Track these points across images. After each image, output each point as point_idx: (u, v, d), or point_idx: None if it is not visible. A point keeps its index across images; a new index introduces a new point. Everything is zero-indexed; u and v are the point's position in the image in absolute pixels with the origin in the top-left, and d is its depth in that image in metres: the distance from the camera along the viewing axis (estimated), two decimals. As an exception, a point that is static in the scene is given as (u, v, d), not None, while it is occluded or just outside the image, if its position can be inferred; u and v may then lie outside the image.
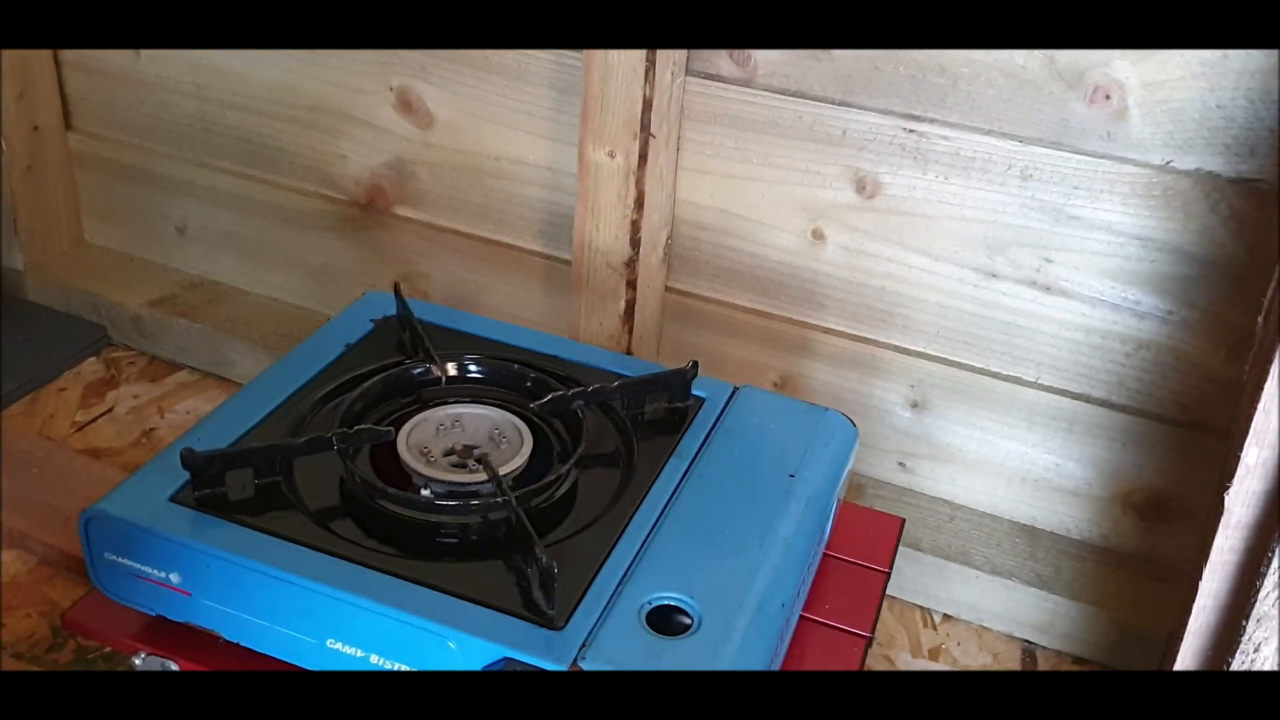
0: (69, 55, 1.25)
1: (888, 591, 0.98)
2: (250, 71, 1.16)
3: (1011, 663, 0.98)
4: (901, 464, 1.07)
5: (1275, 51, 0.81)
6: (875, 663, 0.96)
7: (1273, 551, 0.62)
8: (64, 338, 1.27)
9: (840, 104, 0.95)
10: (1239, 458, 0.64)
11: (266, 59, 1.15)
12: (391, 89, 1.11)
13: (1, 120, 1.22)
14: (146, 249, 1.32)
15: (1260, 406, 0.62)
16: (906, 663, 0.97)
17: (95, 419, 1.18)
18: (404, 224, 1.17)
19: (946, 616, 1.02)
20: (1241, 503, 0.64)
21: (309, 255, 1.24)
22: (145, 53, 1.21)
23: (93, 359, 1.26)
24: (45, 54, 1.25)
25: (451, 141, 1.11)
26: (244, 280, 1.29)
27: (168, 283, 1.30)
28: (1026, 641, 1.00)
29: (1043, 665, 0.98)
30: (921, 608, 1.02)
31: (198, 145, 1.24)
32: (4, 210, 1.27)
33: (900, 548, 0.88)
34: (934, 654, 0.98)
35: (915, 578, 1.01)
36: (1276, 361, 0.61)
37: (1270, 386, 0.62)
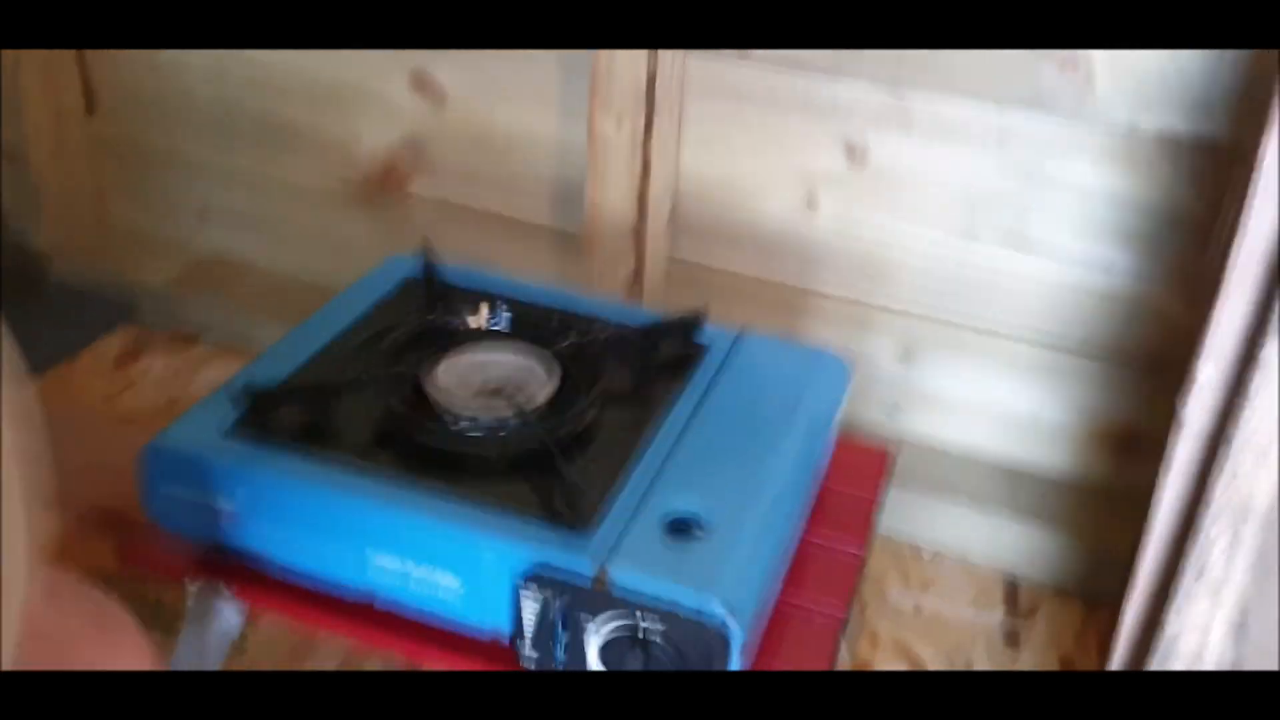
0: (92, 44, 1.31)
1: (880, 530, 1.05)
2: (268, 55, 1.22)
3: (996, 593, 1.05)
4: (891, 413, 1.14)
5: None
6: (868, 594, 1.03)
7: (1223, 454, 0.69)
8: (88, 315, 1.33)
9: (831, 74, 1.02)
10: (1193, 374, 0.71)
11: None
12: (406, 69, 1.17)
13: (26, 105, 1.28)
14: (168, 229, 1.38)
15: (1210, 326, 0.69)
16: (898, 594, 1.04)
17: (123, 391, 1.24)
18: (418, 200, 1.24)
19: (935, 553, 1.09)
20: (1196, 414, 0.71)
21: (326, 232, 1.30)
22: (167, 40, 1.27)
23: (117, 334, 1.32)
24: (69, 43, 1.30)
25: (463, 118, 1.17)
26: (263, 258, 1.35)
27: (189, 261, 1.36)
28: (1010, 574, 1.07)
29: (1025, 596, 1.05)
30: (911, 544, 1.09)
31: (217, 128, 1.30)
32: (29, 193, 1.33)
33: (891, 489, 0.95)
34: (923, 586, 1.05)
35: (905, 516, 1.08)
36: (1223, 286, 0.69)
37: (1217, 310, 0.69)
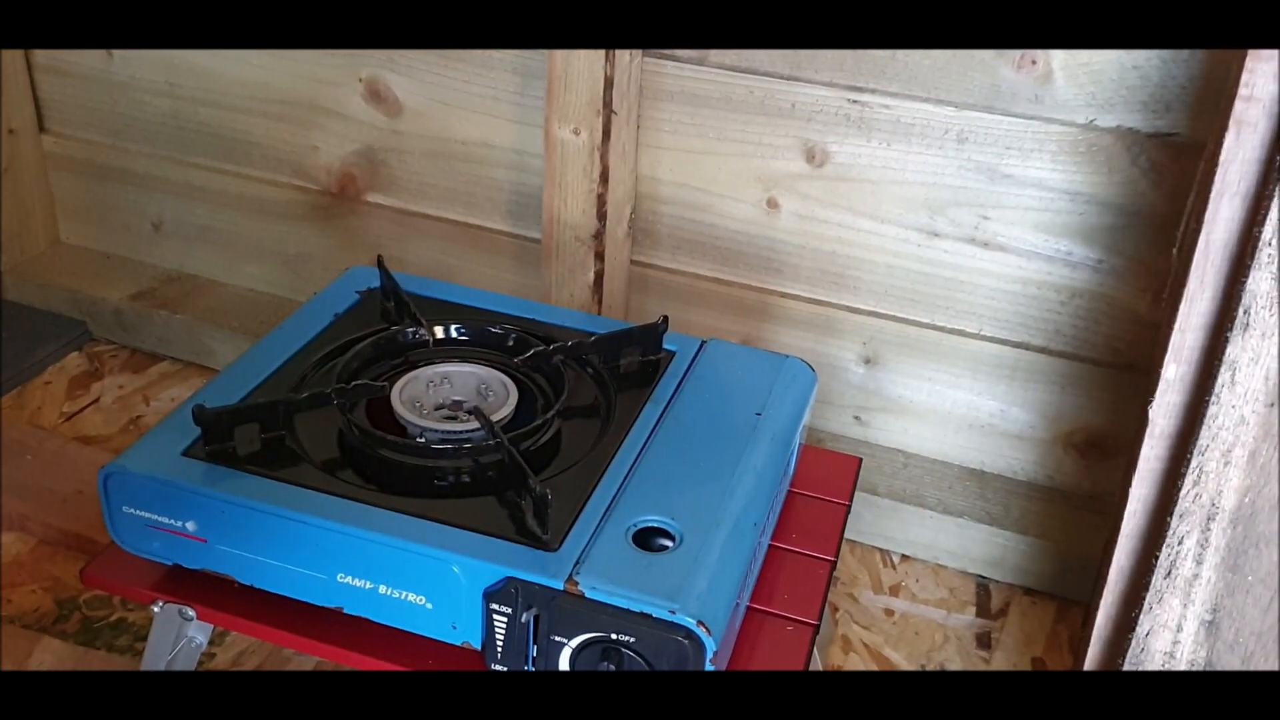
0: (41, 58, 1.29)
1: (849, 535, 1.05)
2: (222, 68, 1.21)
3: (967, 596, 1.05)
4: (857, 418, 1.14)
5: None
6: (839, 600, 1.03)
7: (1190, 454, 0.69)
8: (46, 334, 1.30)
9: (788, 79, 1.02)
10: (1160, 375, 0.71)
11: (238, 56, 1.20)
12: (360, 80, 1.16)
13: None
14: (123, 246, 1.36)
15: (1176, 326, 0.69)
16: (869, 599, 1.04)
17: (83, 409, 1.22)
18: (376, 210, 1.23)
19: (904, 556, 1.09)
20: (1163, 414, 0.71)
21: (284, 244, 1.28)
22: (118, 54, 1.25)
23: (75, 354, 1.30)
24: (17, 57, 1.28)
25: (420, 128, 1.16)
26: (221, 272, 1.33)
27: (146, 277, 1.34)
28: (980, 576, 1.07)
29: (995, 598, 1.05)
30: (881, 549, 1.09)
31: (171, 142, 1.28)
32: (-19, 212, 1.31)
33: (858, 493, 0.94)
34: (894, 590, 1.05)
35: (874, 521, 1.08)
36: (1187, 285, 0.69)
37: (1182, 308, 0.69)
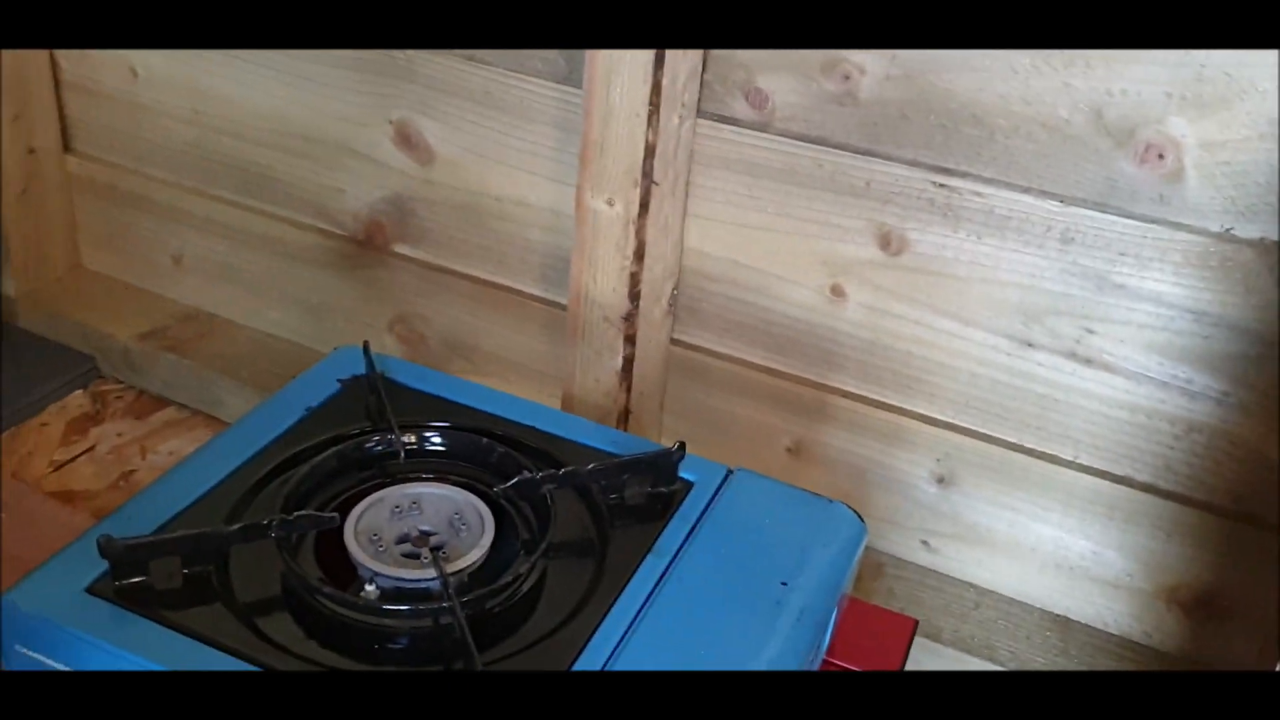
0: (68, 76, 1.20)
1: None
2: (246, 99, 1.10)
3: (1037, 772, 0.89)
4: (925, 542, 0.98)
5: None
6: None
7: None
8: (53, 368, 1.22)
9: (864, 153, 0.87)
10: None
11: (263, 86, 1.09)
12: (390, 122, 1.04)
13: (-6, 142, 1.18)
14: (143, 277, 1.27)
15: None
16: (919, 769, 0.88)
17: (75, 458, 1.13)
18: (402, 262, 1.11)
19: (967, 716, 0.93)
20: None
21: (305, 291, 1.17)
22: (143, 75, 1.15)
23: (80, 392, 1.21)
24: (44, 74, 1.20)
25: (452, 179, 1.04)
26: (239, 314, 1.23)
27: (161, 314, 1.24)
28: (1055, 749, 0.91)
29: (1072, 777, 0.89)
30: (939, 706, 0.93)
31: (195, 172, 1.18)
32: (-3, 234, 1.23)
33: (918, 638, 0.79)
34: (951, 760, 0.89)
35: (935, 668, 0.92)
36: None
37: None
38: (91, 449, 1.14)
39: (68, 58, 1.19)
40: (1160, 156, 0.78)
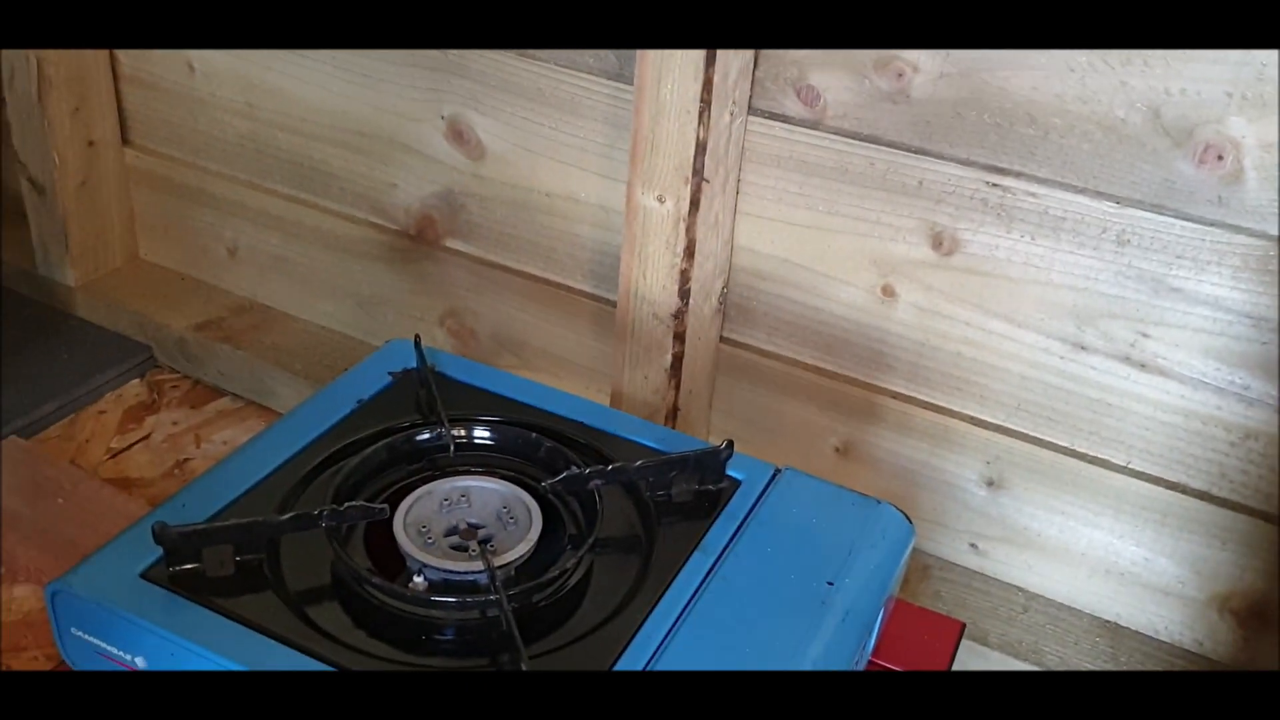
0: (126, 70, 1.22)
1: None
2: (301, 93, 1.12)
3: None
4: (973, 545, 0.98)
5: None
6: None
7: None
8: (110, 358, 1.24)
9: (917, 152, 0.86)
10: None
11: (317, 81, 1.10)
12: (443, 117, 1.05)
13: (54, 135, 1.20)
14: (199, 268, 1.29)
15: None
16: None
17: (131, 445, 1.15)
18: (453, 257, 1.11)
19: (1013, 721, 0.92)
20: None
21: (357, 284, 1.18)
22: (200, 69, 1.17)
23: (136, 381, 1.23)
24: (103, 69, 1.22)
25: (502, 175, 1.04)
26: (292, 305, 1.24)
27: (216, 305, 1.26)
28: (1103, 756, 0.90)
29: (1120, 785, 0.88)
30: (985, 710, 0.92)
31: (250, 166, 1.19)
32: (55, 226, 1.25)
33: (964, 641, 0.79)
34: (996, 765, 0.88)
35: (979, 677, 0.91)
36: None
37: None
38: (147, 437, 1.16)
39: (127, 53, 1.21)
40: (1219, 157, 0.76)
